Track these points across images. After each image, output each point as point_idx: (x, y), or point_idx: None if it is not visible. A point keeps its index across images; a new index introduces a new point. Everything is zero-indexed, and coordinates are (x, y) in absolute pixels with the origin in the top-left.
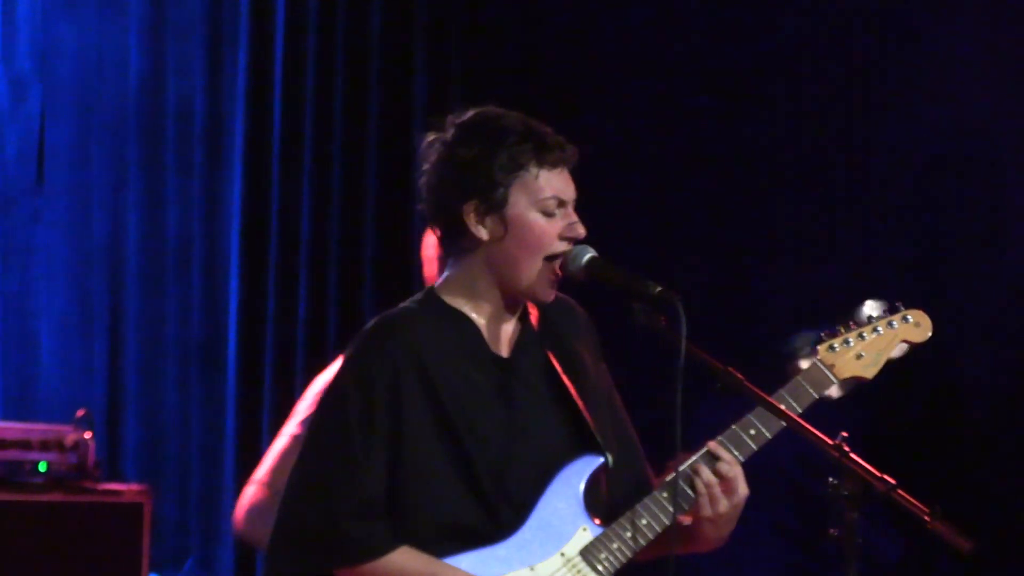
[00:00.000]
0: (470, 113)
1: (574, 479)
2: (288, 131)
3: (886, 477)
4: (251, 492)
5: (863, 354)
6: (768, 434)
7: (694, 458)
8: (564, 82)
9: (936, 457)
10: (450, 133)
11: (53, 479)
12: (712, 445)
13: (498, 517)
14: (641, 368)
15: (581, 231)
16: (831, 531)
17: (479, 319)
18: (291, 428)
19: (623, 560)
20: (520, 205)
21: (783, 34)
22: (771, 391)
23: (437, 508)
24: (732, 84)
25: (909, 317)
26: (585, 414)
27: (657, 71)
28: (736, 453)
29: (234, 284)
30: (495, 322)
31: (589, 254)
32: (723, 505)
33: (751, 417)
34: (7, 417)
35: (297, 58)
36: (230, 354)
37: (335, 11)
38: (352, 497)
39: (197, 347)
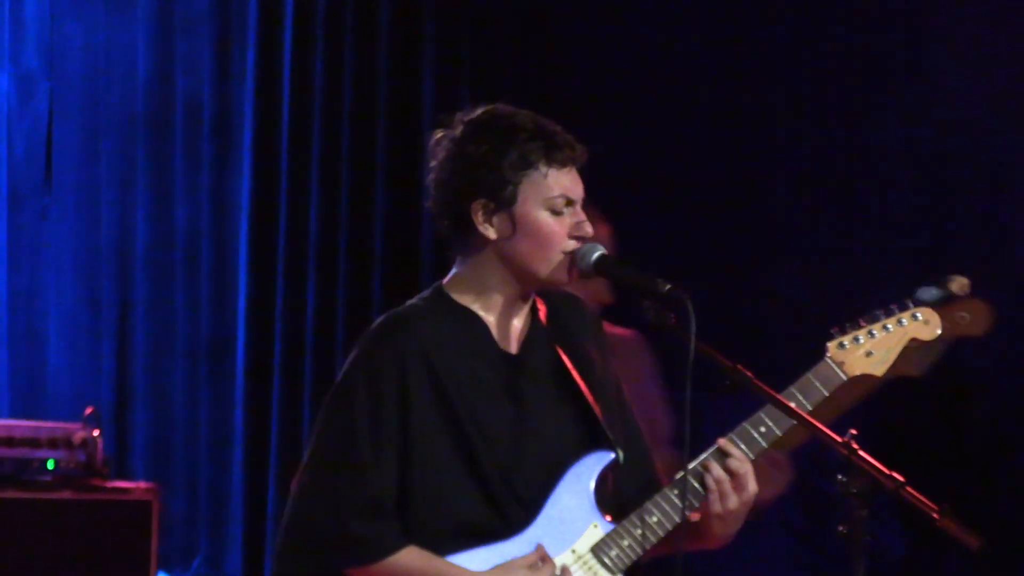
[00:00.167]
0: (480, 110)
1: (585, 476)
2: (297, 128)
3: (894, 474)
4: None
5: (873, 352)
6: (778, 431)
7: (704, 455)
8: (573, 80)
9: (944, 454)
10: (459, 130)
11: (61, 477)
12: (722, 442)
13: (507, 515)
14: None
15: (589, 230)
16: (839, 528)
17: (487, 316)
18: None
19: (634, 557)
20: (528, 203)
21: (788, 32)
22: (780, 388)
23: (446, 506)
24: (737, 82)
25: (919, 314)
26: (595, 410)
27: (664, 69)
28: (746, 450)
29: (243, 281)
30: (503, 319)
31: (598, 252)
32: (733, 502)
33: (761, 414)
34: (16, 415)
35: (305, 55)
36: (239, 352)
37: (344, 7)
38: (361, 496)
39: (205, 345)
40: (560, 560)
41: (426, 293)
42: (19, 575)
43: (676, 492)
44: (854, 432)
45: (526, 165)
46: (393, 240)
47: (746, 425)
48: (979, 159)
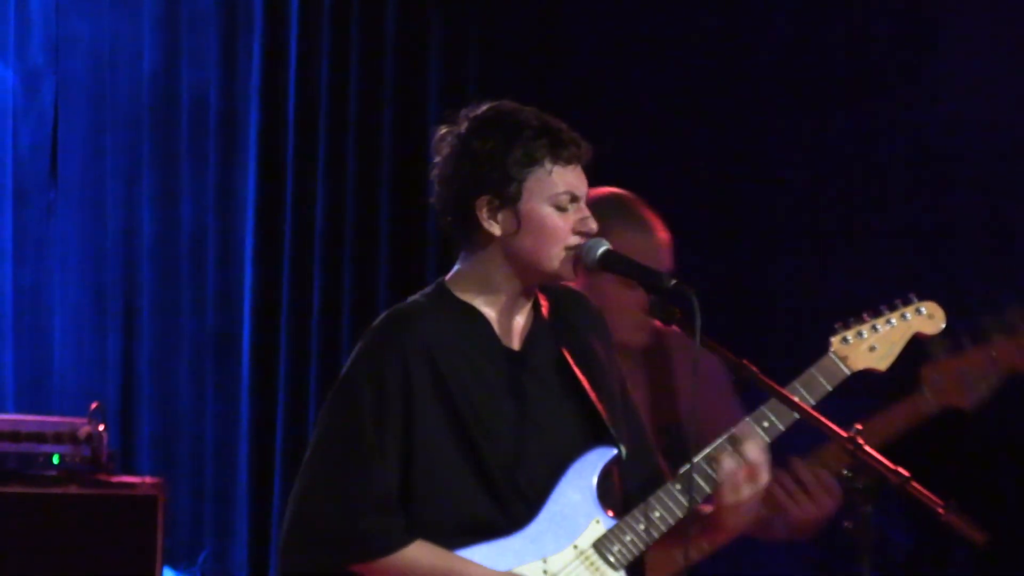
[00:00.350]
0: (485, 107)
1: (587, 471)
2: (302, 123)
3: (900, 469)
4: None
5: (876, 346)
6: (781, 426)
7: (707, 450)
8: (579, 76)
9: (950, 449)
10: (464, 126)
11: (67, 472)
12: (735, 432)
13: (510, 510)
14: None
15: (593, 226)
16: (845, 523)
17: (490, 312)
18: None
19: (636, 552)
20: (533, 200)
21: (792, 29)
22: (783, 384)
23: (449, 502)
24: (743, 79)
25: (923, 309)
26: (598, 405)
27: (668, 68)
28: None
29: (248, 276)
30: (506, 315)
31: (604, 247)
32: (745, 491)
33: (764, 409)
34: (21, 409)
35: (311, 50)
36: (244, 346)
37: (350, 2)
38: (367, 492)
39: (211, 339)
40: (562, 556)
41: (429, 289)
42: (24, 570)
43: (679, 488)
44: (859, 427)
45: (531, 162)
46: (399, 235)
47: (749, 420)
48: (982, 155)
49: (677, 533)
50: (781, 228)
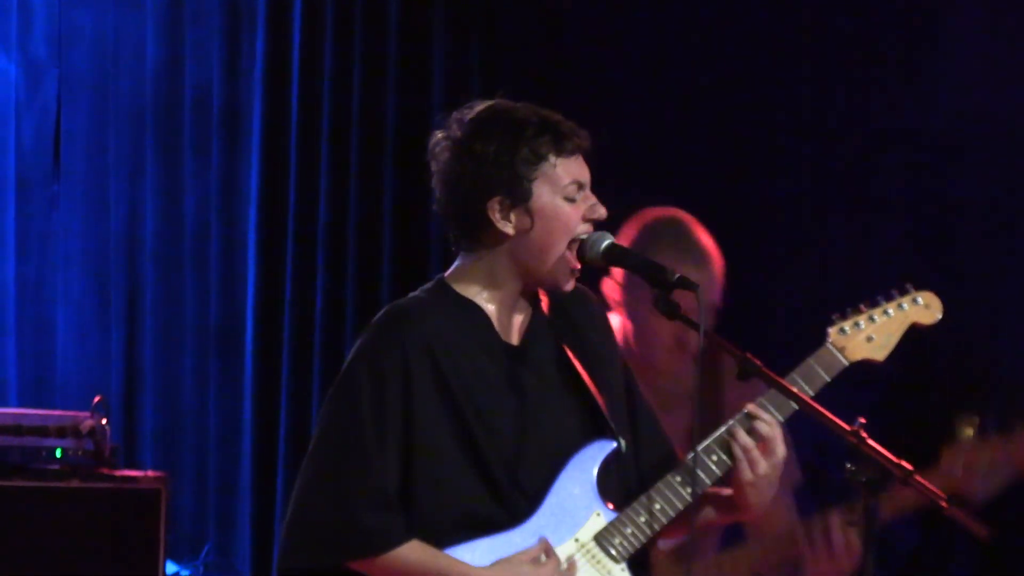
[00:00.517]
0: (479, 108)
1: (587, 464)
2: (305, 117)
3: (903, 463)
4: None
5: (873, 336)
6: (780, 417)
7: (709, 440)
8: (583, 73)
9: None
10: (461, 130)
11: (69, 466)
12: (750, 407)
13: (510, 505)
14: None
15: (602, 211)
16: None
17: (490, 308)
18: None
19: (637, 545)
20: (545, 196)
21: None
22: (781, 374)
23: (450, 498)
24: (745, 72)
25: (919, 299)
26: (598, 399)
27: (671, 63)
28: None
29: (251, 271)
30: (506, 311)
31: (608, 241)
32: (762, 467)
33: (763, 400)
34: (24, 403)
35: (315, 45)
36: (247, 341)
37: None
38: (367, 489)
39: (214, 334)
40: (563, 549)
41: (429, 285)
42: (27, 564)
43: (679, 479)
44: (863, 421)
45: (538, 159)
46: (402, 229)
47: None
48: (994, 145)
49: (683, 522)
50: (787, 219)
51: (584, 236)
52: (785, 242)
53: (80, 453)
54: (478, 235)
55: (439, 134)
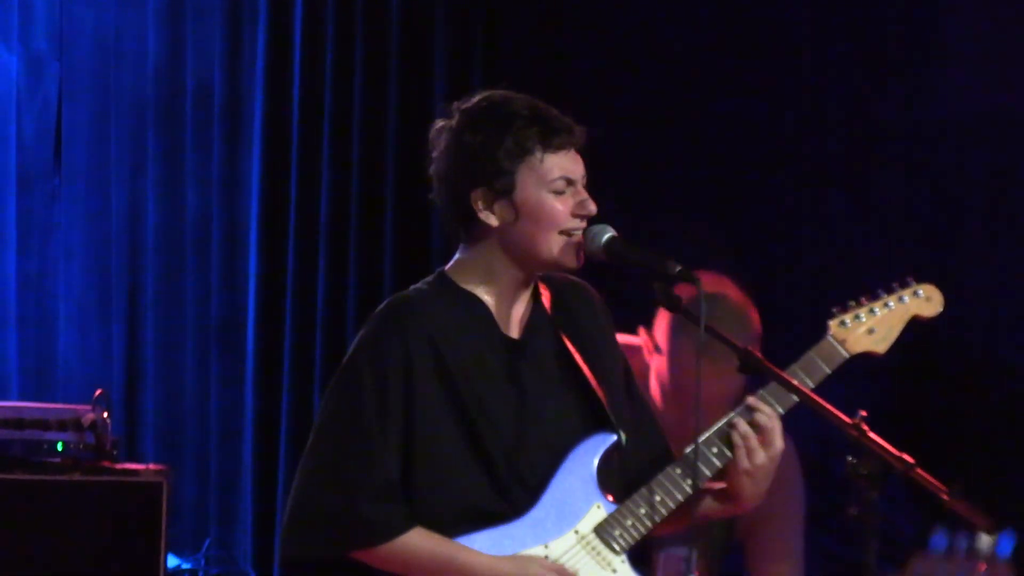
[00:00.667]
0: (476, 98)
1: (587, 457)
2: (307, 111)
3: (905, 456)
4: None
5: (874, 329)
6: (780, 409)
7: (709, 432)
8: (584, 69)
9: (955, 436)
10: (456, 120)
11: (70, 459)
12: (751, 400)
13: (511, 497)
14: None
15: (592, 208)
16: (850, 510)
17: (491, 301)
18: None
19: (637, 537)
20: (529, 189)
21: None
22: (782, 367)
23: (450, 489)
24: (745, 68)
25: (920, 291)
26: (598, 392)
27: (674, 57)
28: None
29: (253, 265)
30: (507, 304)
31: (609, 233)
32: (760, 457)
33: (763, 392)
34: (25, 397)
35: (316, 39)
36: (249, 335)
37: None
38: (369, 479)
39: (216, 327)
40: (563, 541)
41: (429, 278)
42: (28, 557)
43: (679, 471)
44: (864, 414)
45: (523, 152)
46: (404, 223)
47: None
48: (997, 137)
49: (700, 509)
50: (789, 212)
51: (574, 231)
52: (785, 238)
53: (81, 447)
54: (467, 227)
55: (439, 123)
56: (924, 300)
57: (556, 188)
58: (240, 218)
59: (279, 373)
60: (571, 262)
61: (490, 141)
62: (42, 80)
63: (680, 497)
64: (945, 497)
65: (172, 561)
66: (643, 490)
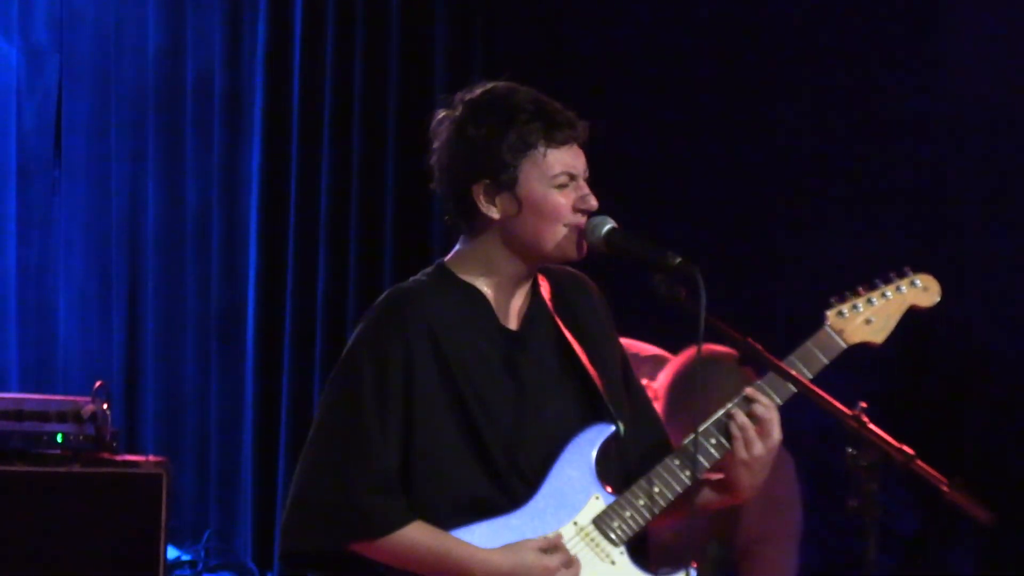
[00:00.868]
0: (479, 90)
1: (586, 448)
2: (307, 103)
3: (905, 448)
4: None
5: (872, 319)
6: (779, 400)
7: (708, 423)
8: (584, 64)
9: (955, 428)
10: (460, 112)
11: (70, 451)
12: (749, 391)
13: (510, 489)
14: (660, 339)
15: (594, 203)
16: (850, 502)
17: (490, 292)
18: None
19: (636, 528)
20: (531, 183)
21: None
22: (779, 357)
23: (449, 481)
24: (746, 63)
25: (918, 282)
26: (597, 383)
27: (673, 51)
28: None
29: (253, 257)
30: (506, 295)
31: (609, 225)
32: (758, 448)
33: (761, 383)
34: (25, 388)
35: (316, 31)
36: (248, 327)
37: None
38: (369, 472)
39: (216, 320)
40: (562, 533)
41: (429, 269)
42: (27, 549)
43: (678, 462)
44: (864, 405)
45: (526, 147)
46: (404, 215)
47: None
48: (998, 132)
49: (697, 501)
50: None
51: (576, 223)
52: (786, 232)
53: (81, 438)
54: (468, 219)
55: (441, 113)
56: (921, 290)
57: (559, 183)
58: (240, 209)
59: (279, 364)
60: (574, 254)
61: (493, 134)
62: (42, 71)
63: (679, 488)
64: (945, 489)
65: (172, 553)
66: (642, 481)
